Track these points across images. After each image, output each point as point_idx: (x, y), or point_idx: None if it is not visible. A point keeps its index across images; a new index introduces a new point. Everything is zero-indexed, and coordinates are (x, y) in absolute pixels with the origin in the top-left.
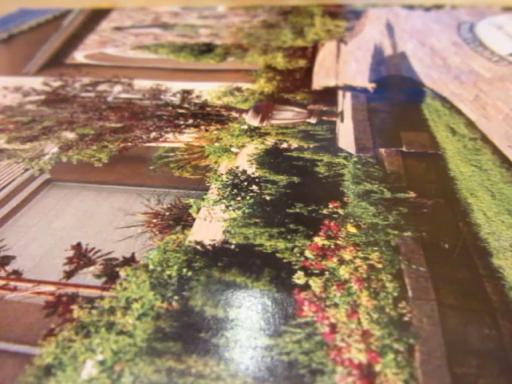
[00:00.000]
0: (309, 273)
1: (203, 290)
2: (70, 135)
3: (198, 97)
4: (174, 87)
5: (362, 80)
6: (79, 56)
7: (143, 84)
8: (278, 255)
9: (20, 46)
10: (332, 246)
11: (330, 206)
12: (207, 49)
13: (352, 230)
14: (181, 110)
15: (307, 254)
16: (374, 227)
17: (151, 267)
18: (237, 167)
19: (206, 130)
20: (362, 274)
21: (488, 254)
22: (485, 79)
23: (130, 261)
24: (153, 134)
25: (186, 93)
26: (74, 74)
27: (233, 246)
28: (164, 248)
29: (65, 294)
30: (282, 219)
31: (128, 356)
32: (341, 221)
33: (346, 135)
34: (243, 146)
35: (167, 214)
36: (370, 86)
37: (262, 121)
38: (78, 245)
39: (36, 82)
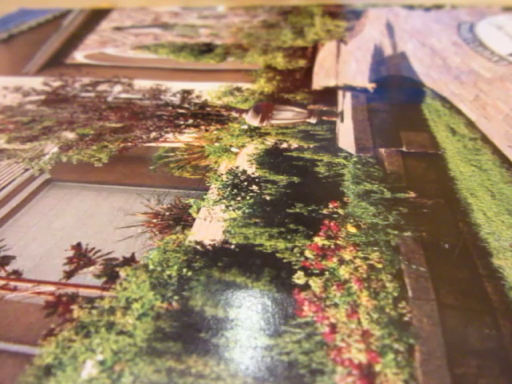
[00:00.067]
0: (309, 273)
1: (203, 290)
2: (70, 135)
3: (197, 97)
4: (173, 87)
5: (362, 80)
6: (79, 56)
7: (143, 84)
8: (278, 255)
9: (20, 46)
10: (332, 246)
11: (330, 205)
12: (207, 49)
13: (352, 229)
14: (181, 110)
15: (307, 253)
16: (374, 227)
17: (151, 267)
18: (237, 167)
19: (206, 130)
20: (361, 274)
21: (488, 253)
22: (485, 79)
23: (129, 261)
24: (153, 134)
25: (186, 93)
26: (73, 73)
27: (233, 246)
28: (164, 248)
29: (65, 294)
30: (282, 219)
31: (128, 356)
32: (341, 221)
33: (345, 135)
34: (243, 146)
35: (167, 213)
36: (370, 86)
37: (261, 121)
38: (78, 245)
39: (36, 82)
